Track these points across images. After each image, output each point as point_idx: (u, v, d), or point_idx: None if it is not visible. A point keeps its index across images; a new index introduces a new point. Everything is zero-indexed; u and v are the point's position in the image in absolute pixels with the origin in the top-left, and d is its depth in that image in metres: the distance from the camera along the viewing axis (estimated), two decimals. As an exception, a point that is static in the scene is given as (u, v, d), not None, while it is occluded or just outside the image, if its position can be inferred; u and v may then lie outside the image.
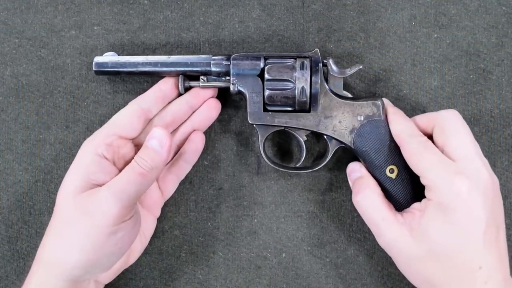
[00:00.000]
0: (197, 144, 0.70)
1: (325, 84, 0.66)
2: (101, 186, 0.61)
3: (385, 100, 0.67)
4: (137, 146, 0.66)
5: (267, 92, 0.65)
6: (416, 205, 0.62)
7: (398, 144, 0.64)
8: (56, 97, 0.73)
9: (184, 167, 0.71)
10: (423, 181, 0.61)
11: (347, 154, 0.71)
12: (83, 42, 0.74)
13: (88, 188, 0.61)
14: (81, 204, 0.60)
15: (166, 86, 0.68)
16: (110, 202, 0.59)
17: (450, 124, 0.62)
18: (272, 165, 0.69)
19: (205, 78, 0.68)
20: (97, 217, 0.59)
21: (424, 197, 0.64)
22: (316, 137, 0.72)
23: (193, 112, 0.70)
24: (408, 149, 0.62)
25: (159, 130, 0.63)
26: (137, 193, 0.61)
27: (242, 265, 0.73)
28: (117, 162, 0.64)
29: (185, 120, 0.70)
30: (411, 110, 0.72)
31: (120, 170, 0.62)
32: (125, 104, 0.69)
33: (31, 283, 0.60)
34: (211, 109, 0.69)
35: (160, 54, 0.72)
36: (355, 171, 0.67)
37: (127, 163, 0.63)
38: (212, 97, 0.70)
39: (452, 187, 0.58)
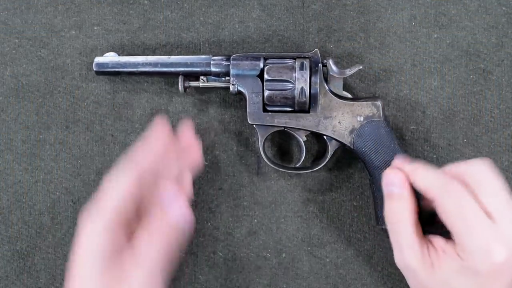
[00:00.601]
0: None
1: (325, 85, 0.66)
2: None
3: (399, 161, 0.63)
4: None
5: (266, 93, 0.65)
6: (442, 243, 0.58)
7: (431, 199, 0.59)
8: (56, 97, 0.74)
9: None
10: (457, 239, 0.56)
11: (347, 154, 0.71)
12: (83, 42, 0.74)
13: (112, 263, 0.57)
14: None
15: (156, 145, 0.64)
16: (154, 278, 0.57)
17: (487, 180, 0.57)
18: (272, 165, 0.69)
19: (205, 78, 0.69)
20: None
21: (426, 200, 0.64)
22: (316, 137, 0.72)
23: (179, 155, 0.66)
24: (443, 206, 0.57)
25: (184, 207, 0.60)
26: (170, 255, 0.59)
27: (242, 265, 0.73)
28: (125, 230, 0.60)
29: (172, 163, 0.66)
30: (411, 110, 0.72)
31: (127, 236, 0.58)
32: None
33: None
34: (193, 153, 0.67)
35: (160, 54, 0.72)
36: (396, 184, 0.61)
37: (131, 226, 0.59)
38: (191, 140, 0.67)
39: (488, 255, 0.55)
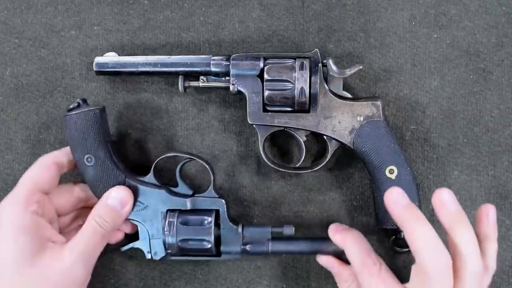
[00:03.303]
0: None
1: (325, 85, 0.66)
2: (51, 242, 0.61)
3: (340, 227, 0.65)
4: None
5: (266, 93, 0.65)
6: None
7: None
8: (56, 97, 0.73)
9: None
10: None
11: (347, 154, 0.71)
12: (83, 42, 0.74)
13: (38, 251, 0.60)
14: (38, 272, 0.59)
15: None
16: (79, 269, 0.60)
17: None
18: (272, 165, 0.69)
19: (205, 78, 0.69)
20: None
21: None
22: (316, 137, 0.72)
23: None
24: (360, 281, 0.61)
25: (121, 191, 0.64)
26: (97, 255, 0.63)
27: (242, 265, 0.73)
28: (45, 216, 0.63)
29: None
30: (411, 110, 0.72)
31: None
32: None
33: None
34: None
35: (160, 54, 0.72)
36: (334, 266, 0.66)
37: (49, 216, 0.63)
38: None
39: None
